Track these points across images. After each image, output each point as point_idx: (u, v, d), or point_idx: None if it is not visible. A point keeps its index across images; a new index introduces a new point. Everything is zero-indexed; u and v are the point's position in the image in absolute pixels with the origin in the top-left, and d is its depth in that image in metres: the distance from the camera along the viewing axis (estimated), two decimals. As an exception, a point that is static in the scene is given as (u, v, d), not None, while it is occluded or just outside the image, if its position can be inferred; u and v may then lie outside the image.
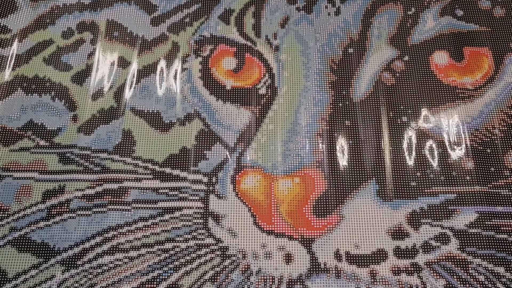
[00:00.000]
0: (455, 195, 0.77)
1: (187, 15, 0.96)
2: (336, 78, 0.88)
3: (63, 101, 0.87)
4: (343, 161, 0.81)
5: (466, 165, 0.80)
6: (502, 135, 0.82)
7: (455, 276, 0.72)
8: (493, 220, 0.75)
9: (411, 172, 0.79)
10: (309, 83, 0.87)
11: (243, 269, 0.73)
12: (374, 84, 0.87)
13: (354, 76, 0.88)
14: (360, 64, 0.89)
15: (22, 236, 0.76)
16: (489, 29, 0.92)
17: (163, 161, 0.81)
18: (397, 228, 0.75)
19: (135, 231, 0.76)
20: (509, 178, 0.78)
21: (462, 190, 0.78)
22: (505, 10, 0.94)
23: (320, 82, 0.87)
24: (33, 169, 0.81)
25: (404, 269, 0.72)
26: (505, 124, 0.83)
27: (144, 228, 0.76)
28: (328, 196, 0.78)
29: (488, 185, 0.78)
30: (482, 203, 0.77)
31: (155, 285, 0.72)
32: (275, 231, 0.76)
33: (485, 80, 0.87)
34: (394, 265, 0.73)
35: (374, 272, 0.72)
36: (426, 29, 0.92)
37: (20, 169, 0.81)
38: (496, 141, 0.81)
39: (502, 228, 0.75)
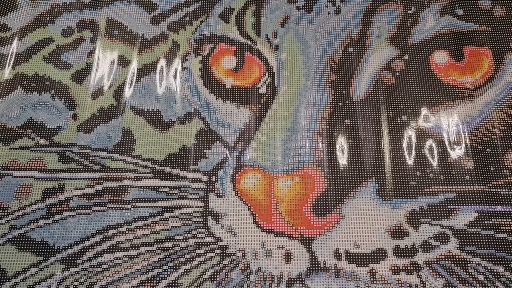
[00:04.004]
0: (455, 194, 0.77)
1: (187, 14, 0.96)
2: (336, 77, 0.88)
3: (63, 99, 0.87)
4: (343, 160, 0.81)
5: (466, 164, 0.80)
6: (502, 134, 0.82)
7: (454, 275, 0.72)
8: (492, 220, 0.75)
9: (410, 171, 0.79)
10: (309, 82, 0.87)
11: (243, 268, 0.73)
12: (374, 83, 0.87)
13: (354, 75, 0.88)
14: (360, 63, 0.89)
15: (22, 235, 0.76)
16: (489, 29, 0.92)
17: (163, 160, 0.81)
18: (396, 227, 0.75)
19: (135, 229, 0.76)
20: (509, 178, 0.78)
21: (461, 189, 0.78)
22: (505, 10, 0.94)
23: (320, 81, 0.87)
24: (33, 167, 0.81)
25: (403, 268, 0.72)
26: (504, 123, 0.83)
27: (143, 227, 0.76)
28: (328, 195, 0.78)
29: (488, 185, 0.78)
30: (482, 202, 0.77)
31: (154, 284, 0.72)
32: (275, 230, 0.76)
33: (485, 80, 0.87)
34: (394, 264, 0.73)
35: (374, 271, 0.72)
36: (426, 29, 0.92)
37: (20, 167, 0.81)
38: (496, 141, 0.81)
39: (501, 228, 0.75)
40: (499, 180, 0.78)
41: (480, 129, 0.83)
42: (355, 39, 0.92)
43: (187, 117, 0.85)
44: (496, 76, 0.87)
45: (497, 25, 0.92)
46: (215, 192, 0.79)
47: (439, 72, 0.88)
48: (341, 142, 0.82)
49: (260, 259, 0.74)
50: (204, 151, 0.82)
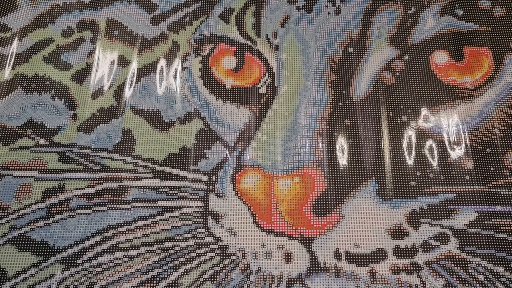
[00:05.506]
0: (455, 194, 0.77)
1: (187, 14, 0.96)
2: (336, 77, 0.88)
3: (63, 99, 0.87)
4: (343, 160, 0.81)
5: (466, 164, 0.80)
6: (502, 134, 0.82)
7: (454, 276, 0.72)
8: (492, 220, 0.75)
9: (410, 172, 0.79)
10: (309, 83, 0.87)
11: (243, 268, 0.73)
12: (374, 83, 0.87)
13: (354, 76, 0.88)
14: (360, 64, 0.89)
15: (22, 235, 0.76)
16: (489, 29, 0.92)
17: (163, 160, 0.81)
18: (396, 228, 0.75)
19: (135, 230, 0.76)
20: (509, 178, 0.78)
21: (461, 189, 0.78)
22: (505, 10, 0.94)
23: (320, 82, 0.87)
24: (33, 168, 0.81)
25: (403, 268, 0.72)
26: (504, 123, 0.83)
27: (143, 227, 0.76)
28: (328, 195, 0.78)
29: (488, 185, 0.78)
30: (482, 202, 0.77)
31: (154, 284, 0.72)
32: (275, 230, 0.76)
33: (485, 80, 0.87)
34: (394, 264, 0.73)
35: (374, 271, 0.72)
36: (426, 29, 0.92)
37: (20, 167, 0.81)
38: (496, 141, 0.81)
39: (501, 228, 0.75)
40: (499, 180, 0.78)
41: (480, 129, 0.83)
42: (355, 39, 0.92)
43: (187, 117, 0.85)
44: (496, 76, 0.87)
45: (497, 25, 0.92)
46: (215, 192, 0.79)
47: (439, 72, 0.88)
48: (341, 142, 0.82)
49: (260, 259, 0.74)
50: (204, 151, 0.82)
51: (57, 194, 0.79)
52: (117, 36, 0.94)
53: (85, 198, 0.78)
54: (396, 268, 0.72)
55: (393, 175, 0.79)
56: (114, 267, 0.74)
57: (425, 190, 0.78)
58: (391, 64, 0.89)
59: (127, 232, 0.76)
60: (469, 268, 0.72)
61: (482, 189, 0.78)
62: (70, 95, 0.88)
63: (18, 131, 0.84)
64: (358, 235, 0.75)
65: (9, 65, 0.91)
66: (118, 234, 0.76)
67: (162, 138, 0.84)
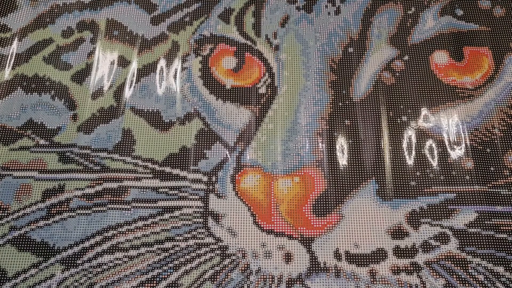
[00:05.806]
0: (455, 194, 0.77)
1: (187, 14, 0.96)
2: (336, 77, 0.88)
3: (63, 100, 0.87)
4: (343, 160, 0.81)
5: (466, 164, 0.80)
6: (502, 134, 0.82)
7: (454, 276, 0.72)
8: (492, 220, 0.75)
9: (410, 172, 0.79)
10: (309, 83, 0.87)
11: (243, 268, 0.73)
12: (374, 83, 0.87)
13: (354, 76, 0.88)
14: (360, 64, 0.89)
15: (22, 235, 0.76)
16: (489, 29, 0.92)
17: (163, 160, 0.81)
18: (396, 228, 0.75)
19: (135, 230, 0.76)
20: (509, 178, 0.78)
21: (461, 189, 0.78)
22: (505, 10, 0.94)
23: (320, 82, 0.87)
24: (33, 168, 0.81)
25: (403, 268, 0.72)
26: (504, 123, 0.83)
27: (143, 227, 0.76)
28: (328, 196, 0.78)
29: (488, 185, 0.78)
30: (482, 202, 0.77)
31: (154, 284, 0.72)
32: (275, 231, 0.76)
33: (485, 80, 0.87)
34: (394, 264, 0.73)
35: (374, 271, 0.72)
36: (426, 29, 0.92)
37: (20, 168, 0.81)
38: (496, 141, 0.81)
39: (501, 228, 0.75)
40: (499, 180, 0.78)
41: (480, 129, 0.83)
42: (355, 39, 0.92)
43: (187, 117, 0.85)
44: (496, 76, 0.87)
45: (497, 25, 0.92)
46: (215, 192, 0.79)
47: (439, 72, 0.88)
48: (341, 142, 0.82)
49: (260, 260, 0.74)
50: (204, 151, 0.82)
51: (57, 194, 0.79)
52: (117, 36, 0.94)
53: (85, 198, 0.78)
54: (396, 268, 0.72)
55: (393, 175, 0.79)
56: (114, 267, 0.74)
57: (425, 190, 0.78)
58: (391, 64, 0.89)
59: (127, 232, 0.76)
60: (469, 268, 0.72)
61: (482, 189, 0.78)
62: (70, 96, 0.88)
63: (18, 132, 0.84)
64: (358, 235, 0.75)
65: (9, 65, 0.91)
66: (118, 235, 0.76)
67: (162, 138, 0.84)
